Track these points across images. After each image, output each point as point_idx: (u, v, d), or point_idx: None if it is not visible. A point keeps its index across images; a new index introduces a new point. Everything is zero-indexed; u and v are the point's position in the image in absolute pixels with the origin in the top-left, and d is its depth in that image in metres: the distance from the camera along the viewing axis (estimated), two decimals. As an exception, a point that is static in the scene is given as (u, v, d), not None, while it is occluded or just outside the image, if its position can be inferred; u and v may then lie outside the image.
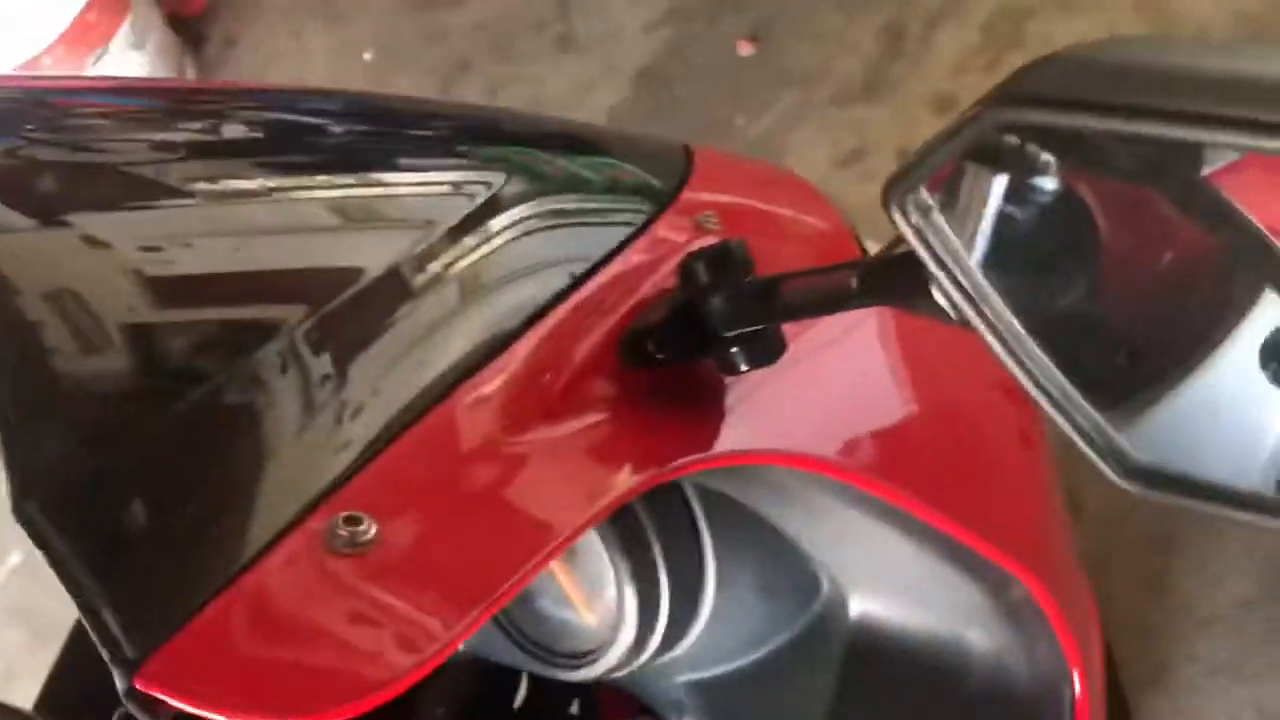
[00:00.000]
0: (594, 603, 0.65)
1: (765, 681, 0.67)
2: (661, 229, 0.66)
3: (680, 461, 0.53)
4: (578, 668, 0.67)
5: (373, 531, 0.45)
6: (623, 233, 0.64)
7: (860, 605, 0.64)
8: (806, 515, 0.62)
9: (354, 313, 0.52)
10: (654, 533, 0.61)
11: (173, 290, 0.53)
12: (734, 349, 0.54)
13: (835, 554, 0.63)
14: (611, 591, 0.65)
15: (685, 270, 0.55)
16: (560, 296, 0.58)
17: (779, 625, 0.67)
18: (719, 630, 0.66)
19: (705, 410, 0.56)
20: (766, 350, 0.54)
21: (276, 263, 0.54)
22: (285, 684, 0.41)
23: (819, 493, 0.59)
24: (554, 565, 0.66)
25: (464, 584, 0.45)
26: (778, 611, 0.66)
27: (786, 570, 0.66)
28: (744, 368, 0.54)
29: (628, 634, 0.64)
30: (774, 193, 0.78)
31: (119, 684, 0.39)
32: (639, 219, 0.66)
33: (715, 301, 0.54)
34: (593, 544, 0.65)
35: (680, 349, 0.55)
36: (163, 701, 0.39)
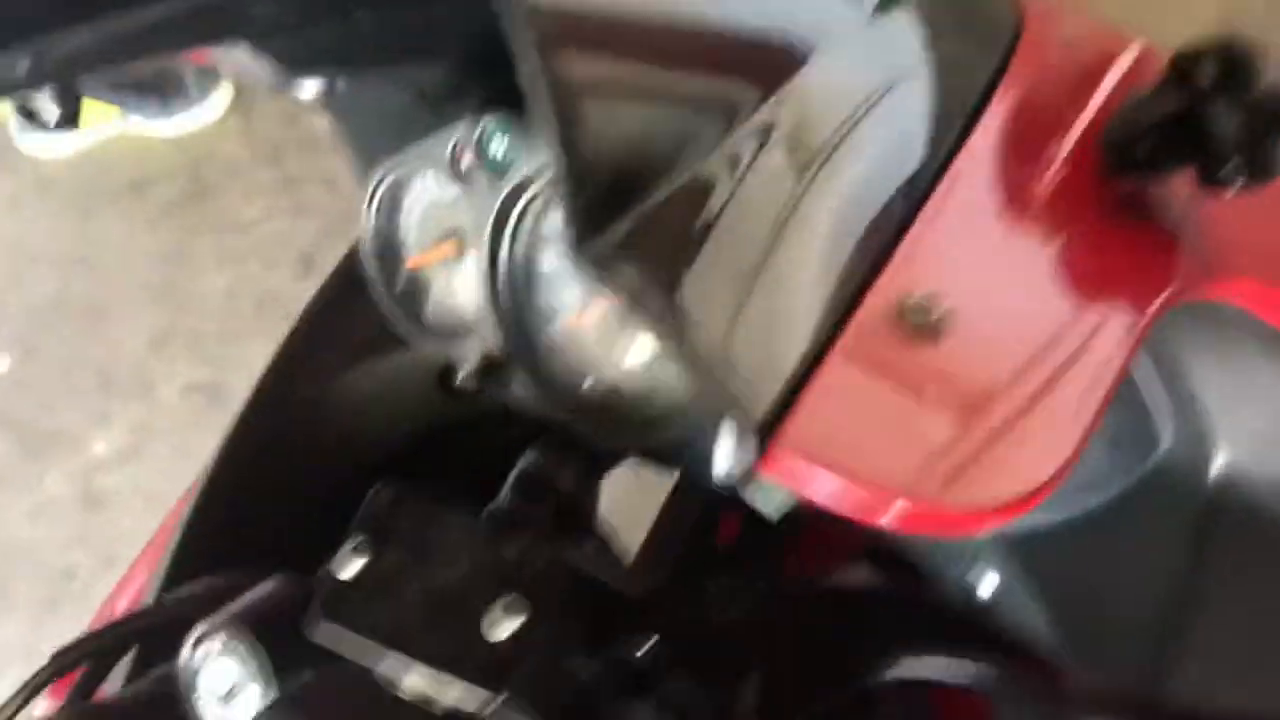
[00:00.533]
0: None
1: (1081, 538, 0.63)
2: (1035, 33, 0.59)
3: (1176, 289, 0.47)
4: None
5: (943, 313, 0.39)
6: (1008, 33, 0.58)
7: (1229, 461, 0.60)
8: (1213, 359, 0.57)
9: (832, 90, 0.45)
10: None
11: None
12: (1230, 163, 0.48)
13: (1226, 404, 0.59)
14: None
15: (1181, 70, 0.49)
16: (985, 98, 0.52)
17: (1111, 479, 0.62)
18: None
19: (1177, 229, 0.50)
20: (1266, 167, 0.49)
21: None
22: (904, 465, 0.36)
23: (1242, 335, 0.54)
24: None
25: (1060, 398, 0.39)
26: (1114, 464, 0.62)
27: (1133, 420, 0.61)
28: (1237, 185, 0.48)
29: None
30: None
31: (744, 455, 0.34)
32: (1011, 24, 0.59)
33: (1220, 108, 0.48)
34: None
35: (1165, 157, 0.49)
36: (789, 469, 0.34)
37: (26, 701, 0.70)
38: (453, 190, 0.75)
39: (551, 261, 0.70)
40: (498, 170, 0.67)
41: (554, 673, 0.41)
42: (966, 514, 0.36)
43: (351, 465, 0.89)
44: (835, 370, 0.37)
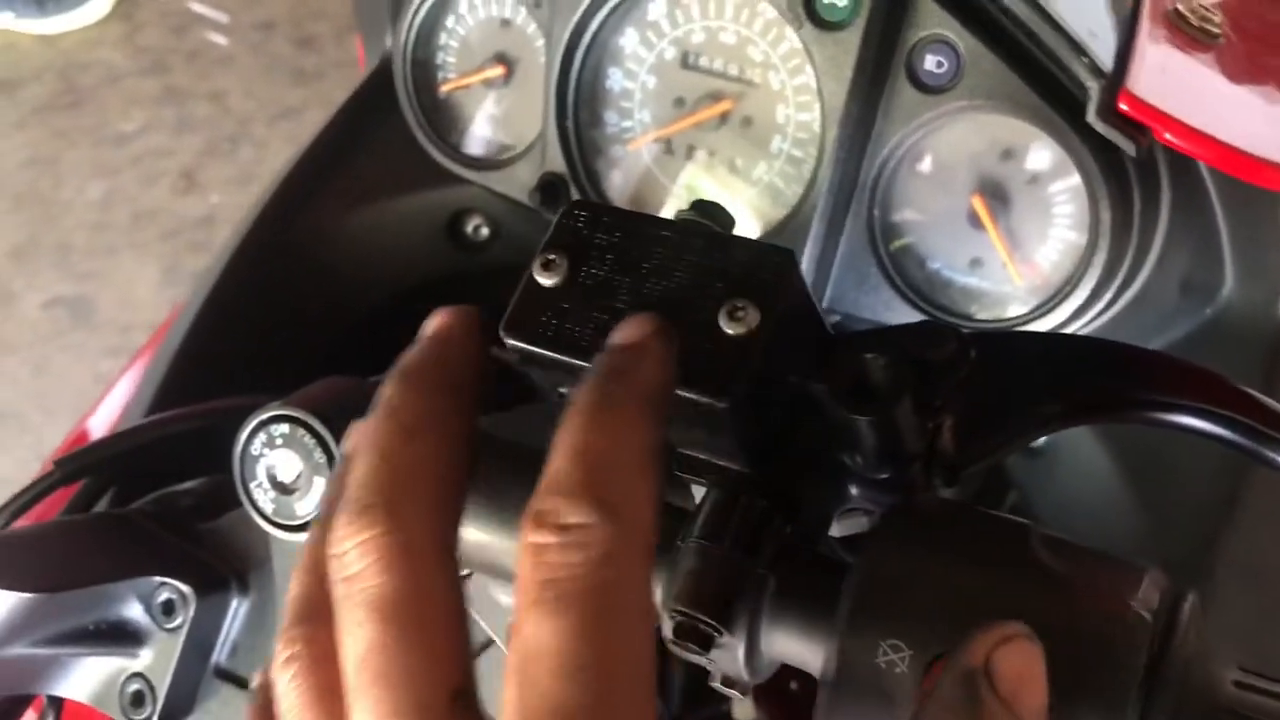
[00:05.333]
0: (1030, 263, 0.61)
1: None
2: None
3: None
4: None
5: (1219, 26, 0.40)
6: None
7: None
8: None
9: None
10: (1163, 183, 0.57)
11: None
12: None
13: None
14: (1056, 256, 0.61)
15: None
16: None
17: (1176, 321, 0.64)
18: (1122, 319, 0.63)
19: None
20: None
21: None
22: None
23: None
24: (983, 214, 0.61)
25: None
26: (1181, 305, 0.64)
27: (1206, 261, 0.63)
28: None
29: (1068, 307, 0.60)
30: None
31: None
32: None
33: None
34: (1054, 186, 0.60)
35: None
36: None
37: (26, 508, 0.64)
38: (507, 9, 0.73)
39: (620, 80, 0.69)
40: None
41: (772, 384, 0.40)
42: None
43: (353, 306, 0.85)
44: (1147, 45, 0.37)
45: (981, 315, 0.62)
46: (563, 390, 0.42)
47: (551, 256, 0.41)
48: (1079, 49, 0.41)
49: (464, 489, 0.36)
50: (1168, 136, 0.39)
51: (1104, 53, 0.43)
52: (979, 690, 0.32)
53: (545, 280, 0.41)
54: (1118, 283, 0.59)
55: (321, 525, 0.34)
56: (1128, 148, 0.41)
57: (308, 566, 0.33)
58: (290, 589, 0.34)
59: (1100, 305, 0.60)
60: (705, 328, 0.39)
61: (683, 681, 0.67)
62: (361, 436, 0.35)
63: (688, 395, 0.38)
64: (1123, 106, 0.38)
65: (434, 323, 0.39)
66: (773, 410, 0.40)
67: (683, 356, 0.38)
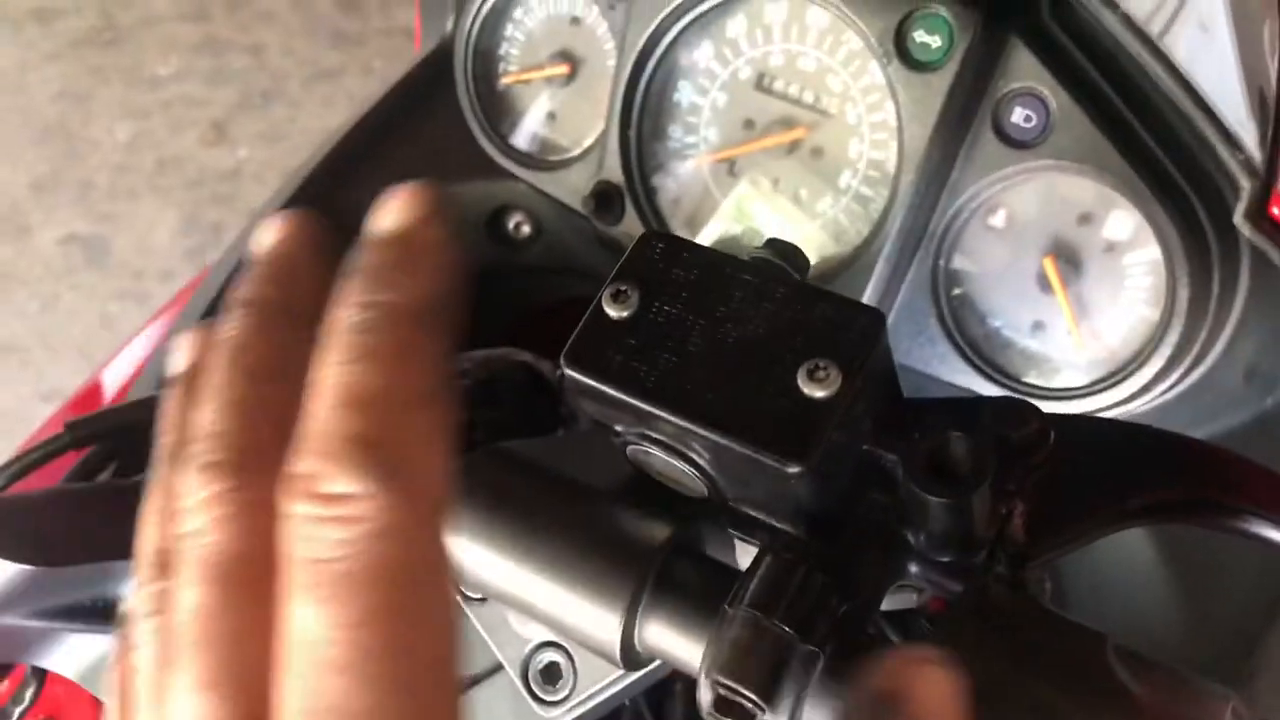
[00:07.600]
0: (1096, 333, 0.59)
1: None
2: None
3: None
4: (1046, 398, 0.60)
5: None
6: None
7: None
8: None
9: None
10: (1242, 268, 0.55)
11: None
12: None
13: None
14: (1125, 330, 0.58)
15: None
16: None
17: (1234, 409, 0.62)
18: (1183, 400, 0.61)
19: None
20: None
21: None
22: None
23: None
24: (1054, 277, 0.59)
25: None
26: (1242, 394, 0.62)
27: (1274, 351, 0.61)
28: None
29: (1131, 384, 0.58)
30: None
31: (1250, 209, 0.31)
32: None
33: None
34: (1132, 262, 0.58)
35: None
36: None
37: (30, 469, 0.62)
38: (578, 7, 0.70)
39: (689, 95, 0.66)
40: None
41: (845, 450, 0.38)
42: None
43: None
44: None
45: (1037, 381, 0.60)
46: (618, 428, 0.40)
47: (623, 287, 0.39)
48: (1234, 143, 0.38)
49: None
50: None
51: (1250, 147, 0.40)
52: None
53: (614, 312, 0.39)
54: (1185, 364, 0.57)
55: (168, 464, 0.30)
56: (1275, 256, 0.38)
57: (157, 513, 0.29)
58: (139, 535, 0.30)
59: (1164, 385, 0.58)
60: (782, 385, 0.36)
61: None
62: (208, 377, 0.29)
63: (759, 456, 0.36)
64: (1275, 211, 0.36)
65: (267, 240, 0.32)
66: (839, 477, 0.38)
67: (757, 413, 0.36)
